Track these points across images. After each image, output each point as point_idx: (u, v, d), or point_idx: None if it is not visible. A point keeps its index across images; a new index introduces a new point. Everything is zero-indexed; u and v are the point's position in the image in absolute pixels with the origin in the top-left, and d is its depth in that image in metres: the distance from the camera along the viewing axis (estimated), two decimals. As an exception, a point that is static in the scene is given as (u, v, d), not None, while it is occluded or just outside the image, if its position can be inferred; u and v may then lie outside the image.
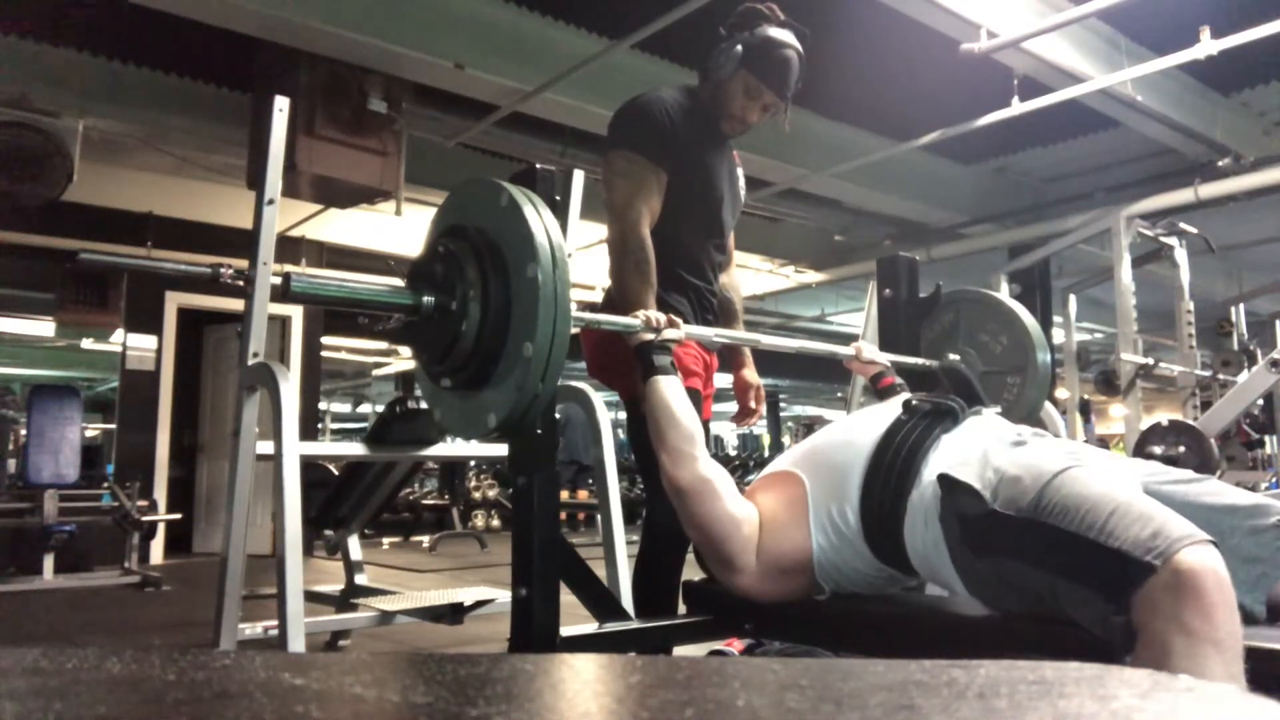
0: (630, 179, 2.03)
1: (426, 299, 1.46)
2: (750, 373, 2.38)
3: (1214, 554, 1.12)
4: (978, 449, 1.42)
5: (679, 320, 1.75)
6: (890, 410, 1.59)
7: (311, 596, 3.05)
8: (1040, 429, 1.61)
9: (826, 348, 2.18)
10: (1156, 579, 1.11)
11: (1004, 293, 6.21)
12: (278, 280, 2.73)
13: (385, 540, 8.24)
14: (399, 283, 1.56)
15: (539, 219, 1.39)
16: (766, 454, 15.36)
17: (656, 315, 1.72)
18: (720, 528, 1.54)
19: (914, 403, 1.57)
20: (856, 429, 1.60)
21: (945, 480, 1.36)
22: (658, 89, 2.16)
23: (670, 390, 1.66)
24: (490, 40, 4.28)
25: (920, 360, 2.23)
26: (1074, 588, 1.21)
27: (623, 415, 2.19)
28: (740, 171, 2.32)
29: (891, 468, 1.46)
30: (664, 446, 1.62)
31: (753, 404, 2.38)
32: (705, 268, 2.18)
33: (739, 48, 2.07)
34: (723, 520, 1.55)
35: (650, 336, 1.70)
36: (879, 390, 2.05)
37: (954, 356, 2.31)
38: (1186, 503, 1.31)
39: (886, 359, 2.09)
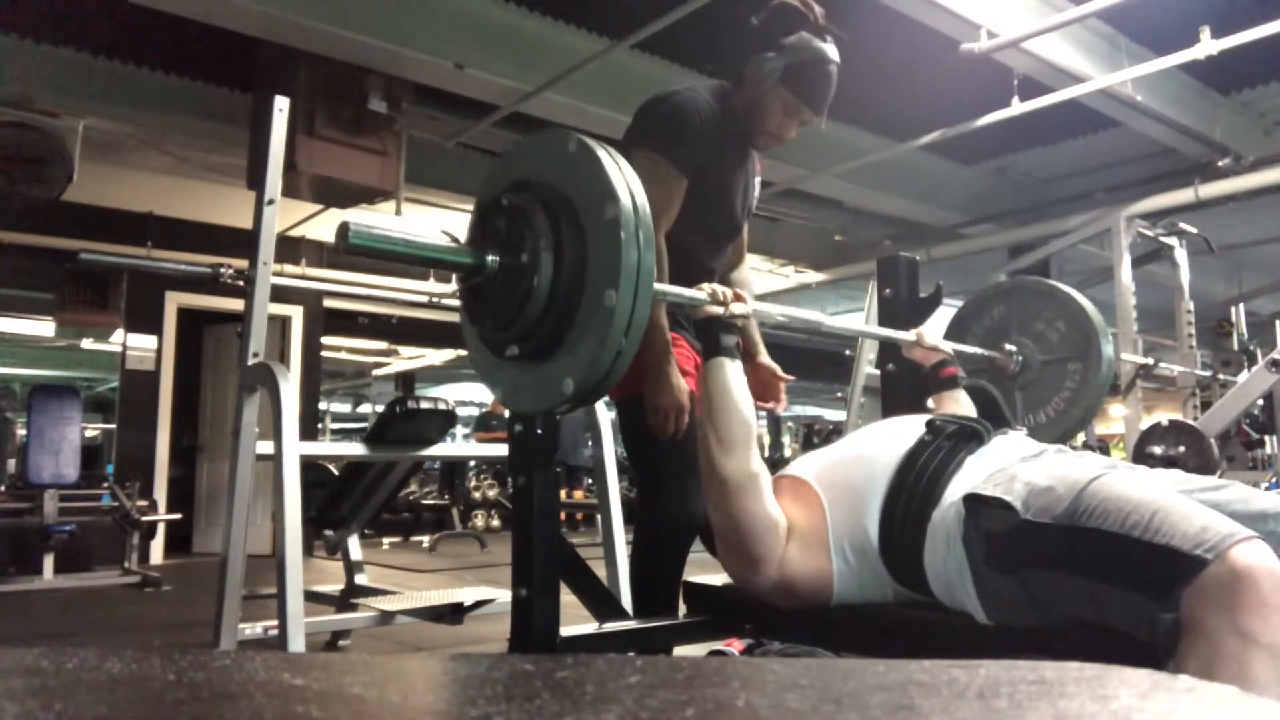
0: (654, 183, 1.88)
1: (491, 257, 1.34)
2: (768, 358, 2.25)
3: (1269, 551, 1.09)
4: (1001, 467, 1.41)
5: (745, 295, 1.65)
6: (913, 428, 1.56)
7: (311, 596, 3.04)
8: (1063, 446, 1.59)
9: (885, 332, 2.06)
10: (1209, 574, 1.08)
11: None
12: (278, 280, 2.74)
13: (385, 540, 8.24)
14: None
15: (612, 160, 1.29)
16: (766, 454, 15.33)
17: (723, 289, 1.62)
18: (755, 524, 1.52)
19: (938, 423, 1.55)
20: (878, 446, 1.57)
21: (972, 499, 1.34)
22: (691, 88, 2.04)
23: (734, 374, 1.59)
24: (490, 40, 4.28)
25: (981, 350, 2.19)
26: (1116, 591, 1.18)
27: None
28: (758, 179, 2.23)
29: (913, 491, 1.44)
30: (716, 432, 1.56)
31: (782, 384, 2.22)
32: (704, 277, 2.08)
33: (781, 64, 1.95)
34: (760, 519, 1.52)
35: (717, 311, 1.60)
36: (940, 380, 1.96)
37: (1010, 347, 2.25)
38: (1218, 510, 1.29)
39: (950, 347, 2.01)
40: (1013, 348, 2.26)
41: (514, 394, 1.42)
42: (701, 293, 1.61)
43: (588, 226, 1.27)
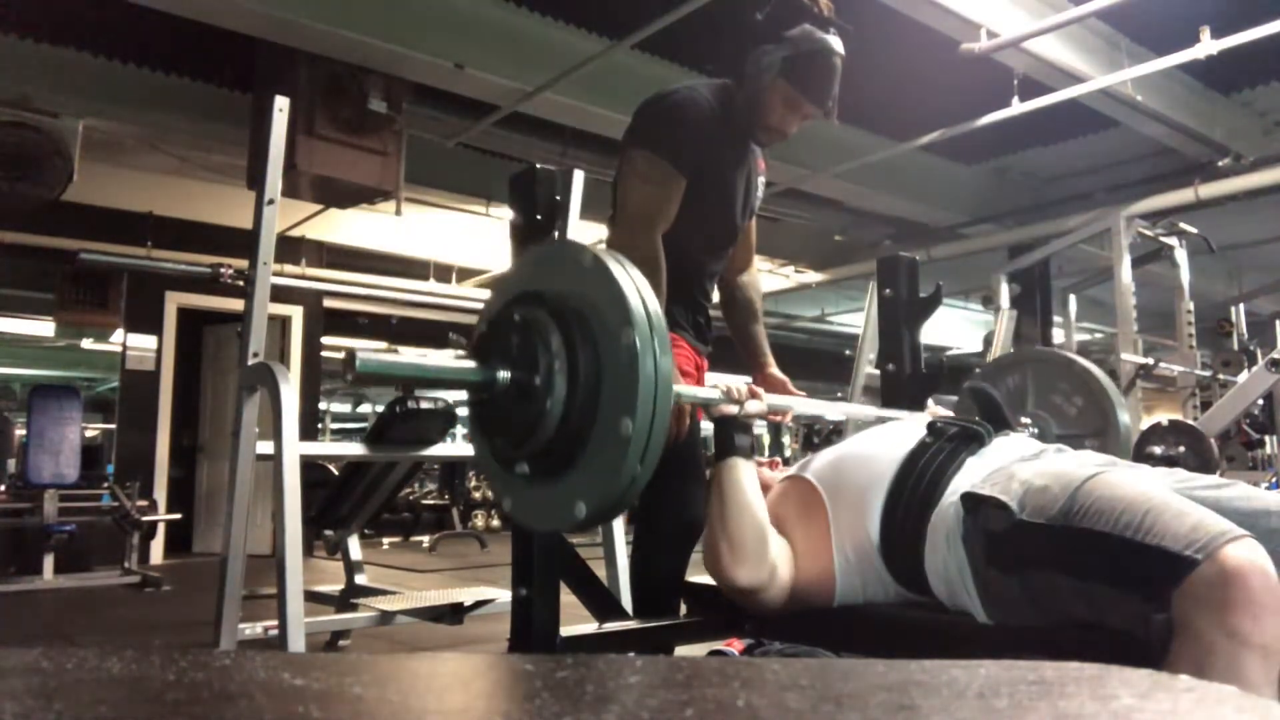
0: (651, 184, 1.89)
1: (501, 374, 1.29)
2: (777, 370, 2.22)
3: (1261, 550, 1.08)
4: (1000, 466, 1.41)
5: (760, 390, 1.61)
6: (915, 430, 1.56)
7: (311, 596, 3.05)
8: (1063, 446, 1.58)
9: (894, 413, 2.01)
10: (1199, 574, 1.07)
11: (1004, 293, 6.21)
12: (278, 280, 2.75)
13: (385, 540, 8.25)
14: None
15: (629, 279, 1.24)
16: (766, 454, 15.30)
17: (737, 385, 1.57)
18: (767, 602, 1.51)
19: (939, 424, 1.55)
20: (880, 447, 1.57)
21: (969, 498, 1.34)
22: (691, 87, 2.00)
23: (747, 477, 1.53)
24: (490, 40, 4.28)
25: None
26: (1110, 591, 1.18)
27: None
28: (762, 179, 2.19)
29: (914, 491, 1.45)
30: (728, 537, 1.50)
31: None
32: (704, 280, 2.11)
33: (780, 55, 1.91)
34: (773, 598, 1.51)
35: (731, 410, 1.54)
36: None
37: (1026, 420, 2.20)
38: (1219, 508, 1.28)
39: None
40: (1028, 420, 2.21)
41: (524, 510, 1.38)
42: (716, 391, 1.56)
43: (602, 346, 1.24)
